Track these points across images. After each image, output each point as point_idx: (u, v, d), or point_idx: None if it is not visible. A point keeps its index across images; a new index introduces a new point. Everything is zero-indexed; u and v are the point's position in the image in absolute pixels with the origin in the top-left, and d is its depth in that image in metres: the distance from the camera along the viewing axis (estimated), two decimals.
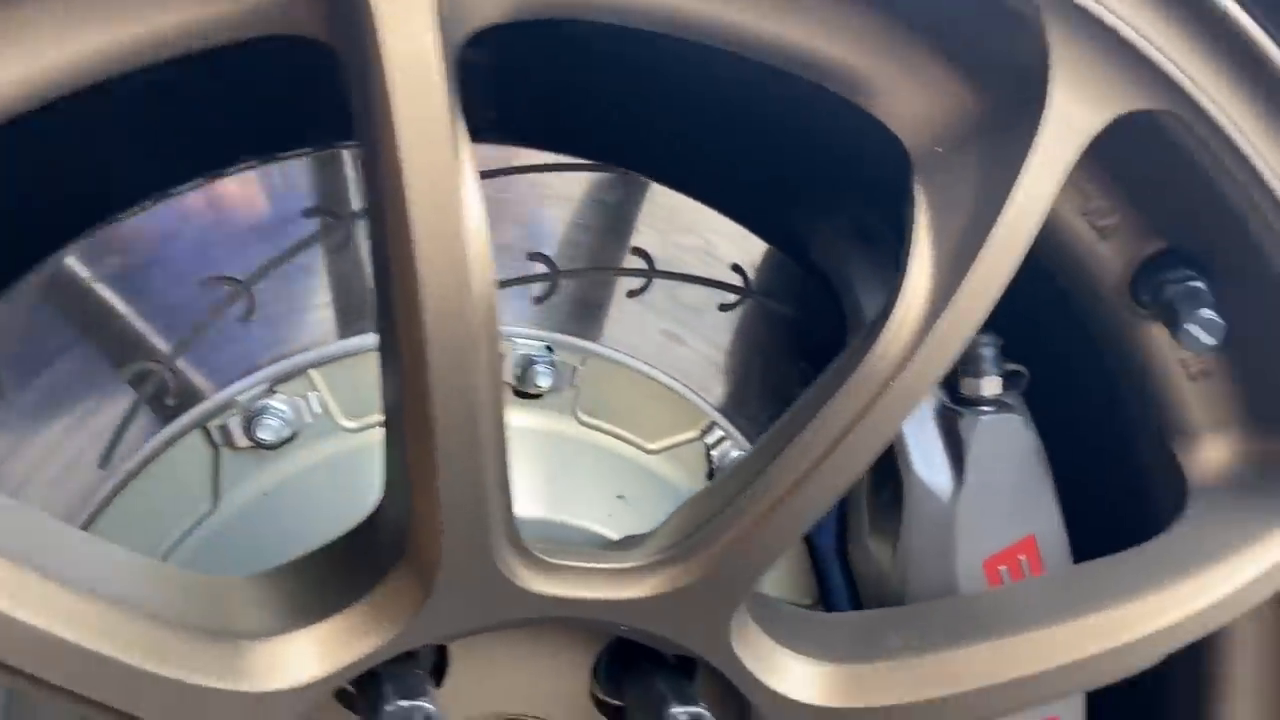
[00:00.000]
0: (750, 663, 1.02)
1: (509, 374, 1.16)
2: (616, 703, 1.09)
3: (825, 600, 1.26)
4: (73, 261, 1.07)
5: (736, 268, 1.22)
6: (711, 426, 1.22)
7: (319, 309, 1.12)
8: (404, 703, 0.95)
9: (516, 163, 1.18)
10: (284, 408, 1.10)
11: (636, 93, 1.29)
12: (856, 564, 1.23)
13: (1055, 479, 1.19)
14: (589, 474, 1.19)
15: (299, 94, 1.12)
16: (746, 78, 1.04)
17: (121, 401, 1.09)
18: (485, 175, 1.15)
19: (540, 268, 1.18)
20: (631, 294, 1.20)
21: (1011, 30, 0.92)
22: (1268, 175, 0.98)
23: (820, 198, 1.27)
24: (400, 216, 0.83)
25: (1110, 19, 0.91)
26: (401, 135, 0.81)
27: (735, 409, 1.23)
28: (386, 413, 0.93)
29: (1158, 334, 1.11)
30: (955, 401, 1.17)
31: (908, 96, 0.96)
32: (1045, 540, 1.18)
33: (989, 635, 1.07)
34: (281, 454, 1.11)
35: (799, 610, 1.20)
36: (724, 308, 1.22)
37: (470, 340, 0.86)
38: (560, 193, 1.19)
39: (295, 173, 1.12)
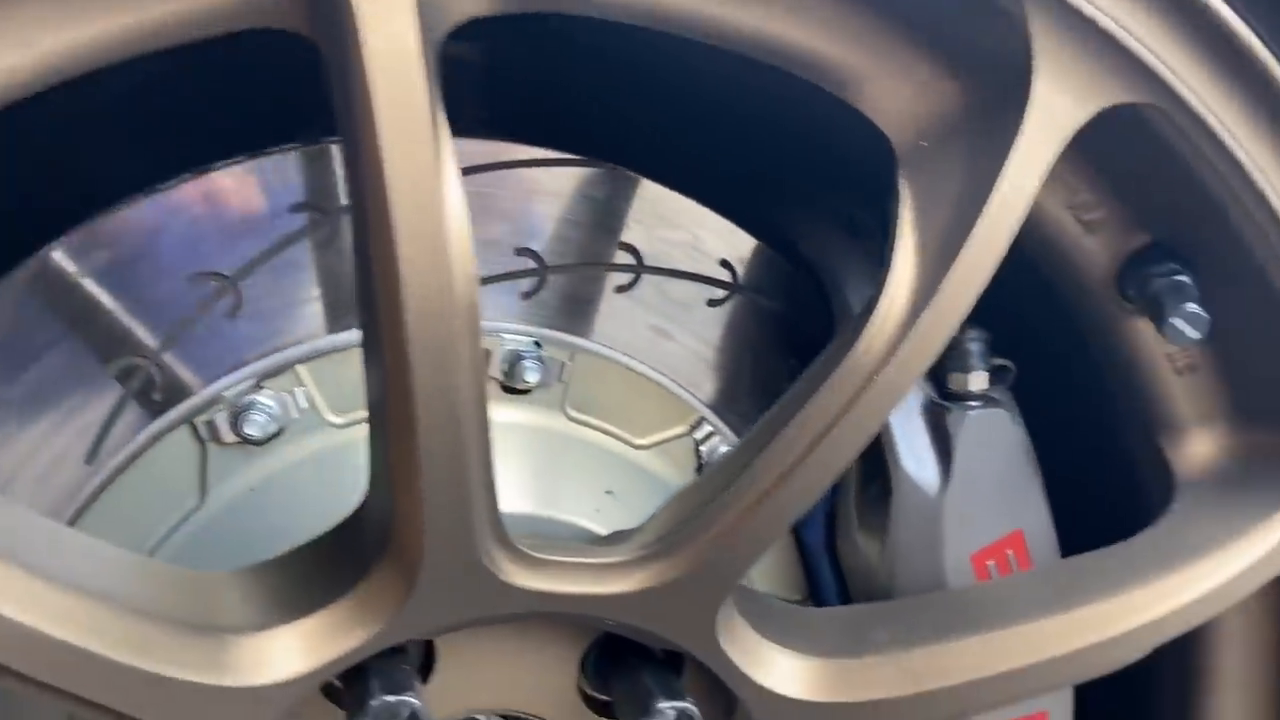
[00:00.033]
0: (737, 657, 1.02)
1: (497, 369, 1.16)
2: (604, 698, 1.09)
3: (815, 596, 1.26)
4: (60, 256, 1.07)
5: (725, 263, 1.22)
6: (700, 422, 1.22)
7: (306, 304, 1.12)
8: (390, 698, 0.96)
9: (505, 159, 1.17)
10: (271, 403, 1.10)
11: (626, 89, 1.29)
12: (845, 559, 1.23)
13: (1043, 474, 1.19)
14: (577, 469, 1.19)
15: (290, 89, 1.12)
16: (735, 73, 1.04)
17: (108, 397, 1.08)
18: (474, 170, 1.15)
19: (529, 263, 1.18)
20: (620, 289, 1.20)
21: (995, 24, 0.92)
22: (1249, 167, 0.98)
23: (809, 193, 1.27)
24: (381, 212, 0.83)
25: (1092, 12, 0.91)
26: (382, 130, 0.81)
27: (724, 404, 1.23)
28: (370, 409, 0.93)
29: (1144, 328, 1.11)
30: (943, 396, 1.17)
31: (892, 90, 0.96)
32: (1033, 535, 1.18)
33: (976, 629, 1.07)
34: (268, 450, 1.11)
35: (786, 605, 1.20)
36: (713, 303, 1.22)
37: (452, 336, 0.86)
38: (549, 188, 1.19)
39: (283, 168, 1.12)
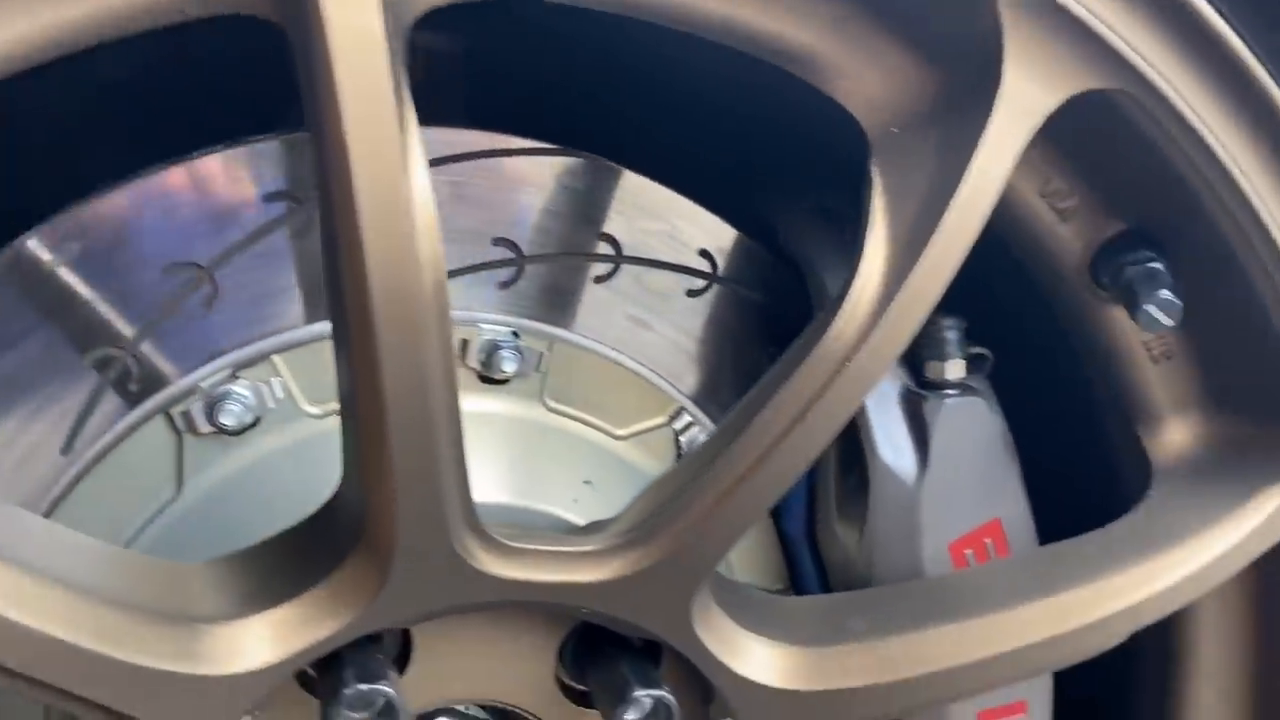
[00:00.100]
0: (713, 646, 1.02)
1: (474, 359, 1.16)
2: (582, 687, 1.09)
3: (796, 586, 1.26)
4: (35, 245, 1.07)
5: (705, 253, 1.22)
6: (680, 412, 1.22)
7: (282, 294, 1.12)
8: (364, 686, 0.95)
9: (484, 148, 1.17)
10: (247, 393, 1.10)
11: (605, 79, 1.29)
12: (825, 549, 1.23)
13: (1021, 462, 1.19)
14: (556, 459, 1.19)
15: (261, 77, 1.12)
16: (714, 63, 1.04)
17: (84, 387, 1.08)
18: (452, 159, 1.15)
19: (507, 253, 1.17)
20: (599, 280, 1.20)
21: (965, 10, 0.92)
22: (1220, 153, 0.97)
23: (787, 183, 1.27)
24: (347, 200, 0.83)
25: None
26: (347, 116, 0.81)
27: (704, 395, 1.23)
28: (341, 399, 0.93)
29: (1120, 316, 1.11)
30: (920, 385, 1.17)
31: (863, 77, 0.95)
32: (1011, 524, 1.18)
33: (954, 617, 1.07)
34: (244, 440, 1.11)
35: (763, 594, 1.20)
36: (692, 294, 1.22)
37: (421, 325, 0.86)
38: (529, 179, 1.19)
39: (259, 157, 1.12)
